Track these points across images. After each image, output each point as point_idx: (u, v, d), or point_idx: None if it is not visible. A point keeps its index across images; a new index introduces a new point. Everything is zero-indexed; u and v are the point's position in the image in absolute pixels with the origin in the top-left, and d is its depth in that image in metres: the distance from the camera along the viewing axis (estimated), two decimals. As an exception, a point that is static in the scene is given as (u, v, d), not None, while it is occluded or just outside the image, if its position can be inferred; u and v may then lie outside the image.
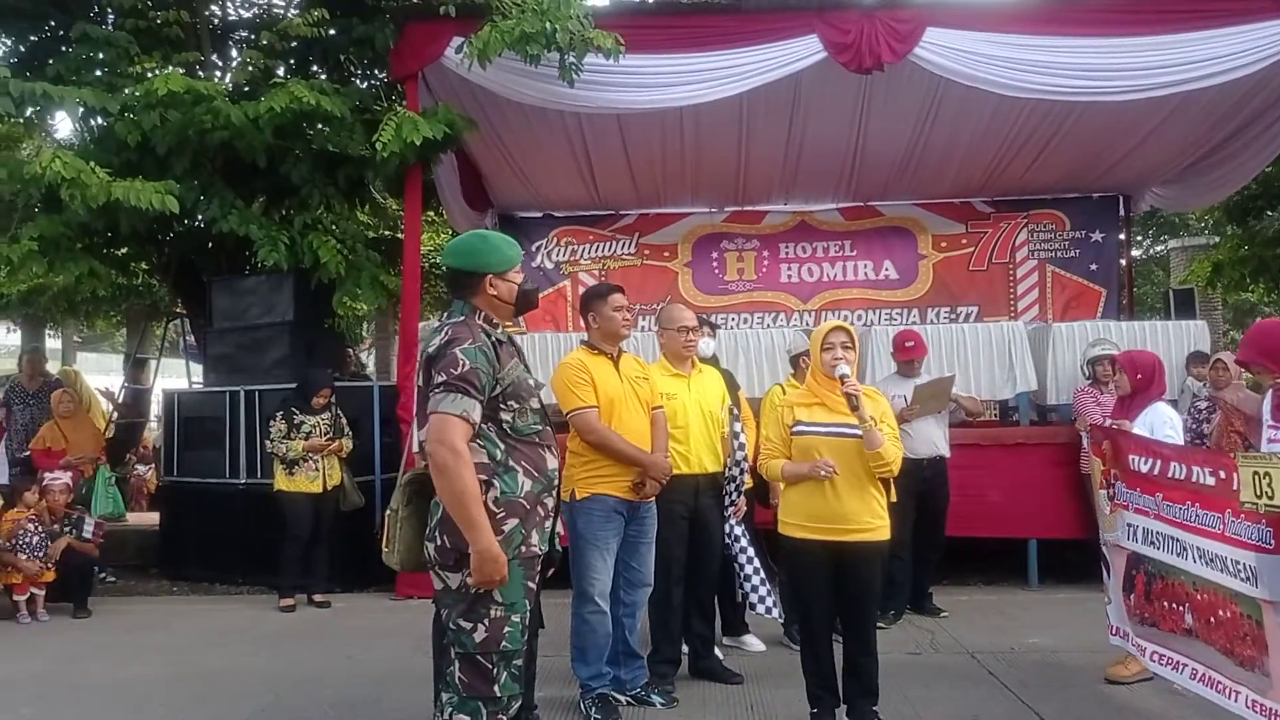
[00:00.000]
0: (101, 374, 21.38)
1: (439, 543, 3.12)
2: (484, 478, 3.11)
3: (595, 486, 4.60)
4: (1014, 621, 6.44)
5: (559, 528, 3.46)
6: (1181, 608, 4.02)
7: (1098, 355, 7.16)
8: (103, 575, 8.23)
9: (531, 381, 3.32)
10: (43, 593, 7.07)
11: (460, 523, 3.02)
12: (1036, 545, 7.56)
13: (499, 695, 3.12)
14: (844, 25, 7.33)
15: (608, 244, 11.42)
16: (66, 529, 7.33)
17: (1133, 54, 7.48)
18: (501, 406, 3.17)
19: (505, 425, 3.18)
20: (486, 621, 3.09)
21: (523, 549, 3.15)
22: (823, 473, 4.09)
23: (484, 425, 3.14)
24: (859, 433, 4.13)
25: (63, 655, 6.08)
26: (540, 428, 3.28)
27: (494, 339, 3.22)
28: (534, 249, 11.24)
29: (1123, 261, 11.61)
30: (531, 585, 3.23)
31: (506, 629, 3.11)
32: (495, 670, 3.10)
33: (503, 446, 3.17)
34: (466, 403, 3.05)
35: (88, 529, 7.47)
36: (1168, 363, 7.09)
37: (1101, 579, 4.92)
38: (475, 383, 3.07)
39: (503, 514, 3.11)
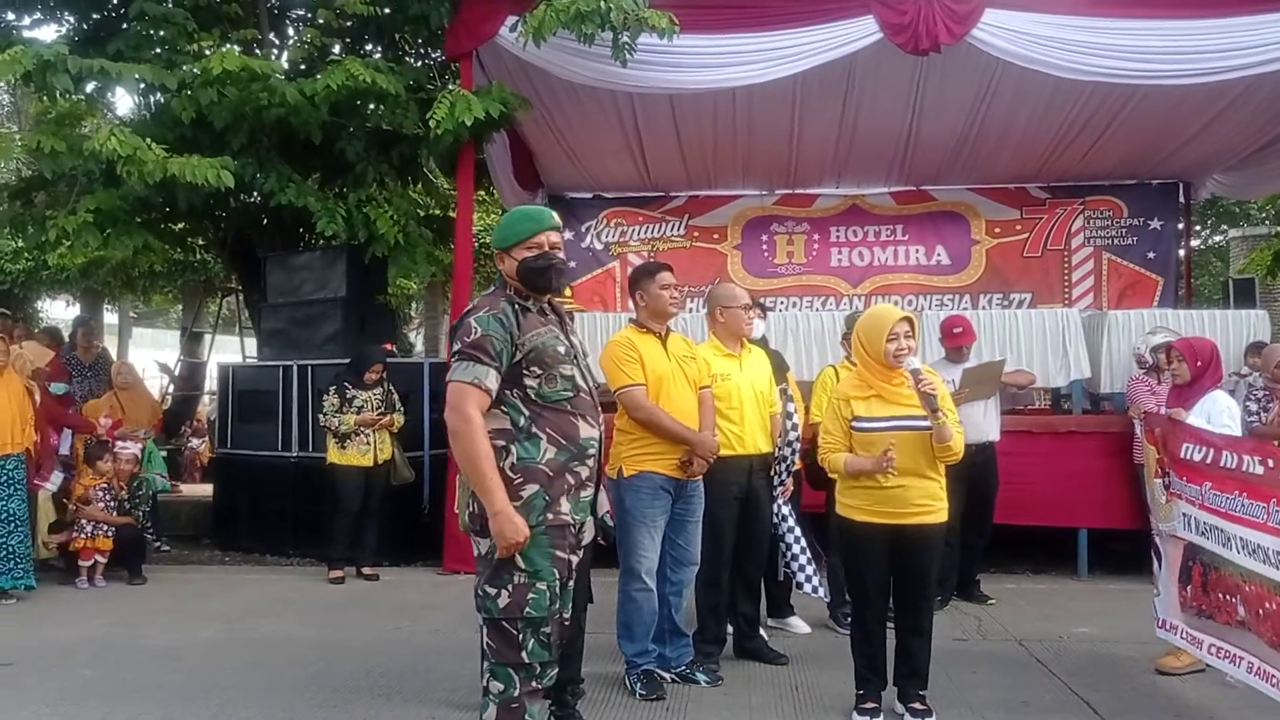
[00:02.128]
0: (156, 349, 21.86)
1: (472, 509, 3.17)
2: (502, 443, 3.14)
3: (643, 464, 4.63)
4: (1063, 611, 6.38)
5: (605, 504, 3.48)
6: (1234, 599, 3.96)
7: (1158, 344, 7.04)
8: (157, 544, 8.41)
9: (561, 349, 3.27)
10: (104, 560, 7.25)
11: (474, 486, 3.09)
12: (1087, 535, 7.47)
13: (528, 662, 3.14)
14: (901, 6, 7.19)
15: (657, 225, 11.38)
16: (136, 498, 7.68)
17: (1197, 37, 7.27)
18: (525, 373, 3.19)
19: (530, 391, 3.19)
20: (510, 588, 3.12)
21: (548, 516, 3.15)
22: (887, 469, 4.06)
23: (508, 391, 3.18)
24: (922, 424, 4.08)
25: (121, 620, 6.22)
26: (570, 395, 3.25)
27: (518, 306, 3.24)
28: (583, 230, 11.26)
29: (1181, 250, 11.38)
30: (562, 555, 3.19)
31: (530, 595, 3.12)
32: (521, 637, 3.13)
33: (527, 413, 3.18)
34: (478, 369, 3.10)
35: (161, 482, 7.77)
36: (1226, 352, 6.89)
37: (1151, 570, 4.87)
38: (489, 349, 3.11)
39: (520, 479, 3.13)
